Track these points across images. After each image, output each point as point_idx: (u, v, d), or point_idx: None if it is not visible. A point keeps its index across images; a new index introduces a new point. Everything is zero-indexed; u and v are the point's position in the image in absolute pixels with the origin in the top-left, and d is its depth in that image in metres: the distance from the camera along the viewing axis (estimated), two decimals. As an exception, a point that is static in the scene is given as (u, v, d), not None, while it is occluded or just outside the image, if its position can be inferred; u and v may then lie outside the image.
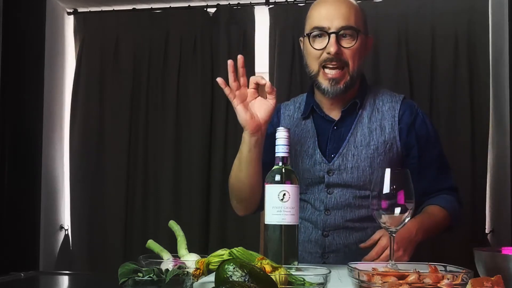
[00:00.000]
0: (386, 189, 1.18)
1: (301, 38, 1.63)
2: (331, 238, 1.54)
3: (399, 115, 1.57)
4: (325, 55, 1.51)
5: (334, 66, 1.51)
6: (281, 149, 1.28)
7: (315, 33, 1.52)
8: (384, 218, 1.19)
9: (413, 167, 1.51)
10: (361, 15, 1.56)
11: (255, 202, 1.56)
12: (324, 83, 1.53)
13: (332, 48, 1.49)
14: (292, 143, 1.56)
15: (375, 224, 1.42)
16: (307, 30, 1.56)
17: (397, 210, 1.18)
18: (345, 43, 1.52)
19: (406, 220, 1.19)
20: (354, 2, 1.57)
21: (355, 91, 1.59)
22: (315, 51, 1.52)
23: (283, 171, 1.26)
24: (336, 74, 1.52)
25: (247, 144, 1.47)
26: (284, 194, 1.23)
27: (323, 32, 1.51)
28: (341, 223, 1.54)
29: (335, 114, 1.59)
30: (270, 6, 3.06)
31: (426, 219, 1.50)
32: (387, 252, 1.37)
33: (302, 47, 1.63)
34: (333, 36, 1.50)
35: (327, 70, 1.52)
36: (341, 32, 1.51)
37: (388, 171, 1.19)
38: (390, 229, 1.20)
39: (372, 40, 1.64)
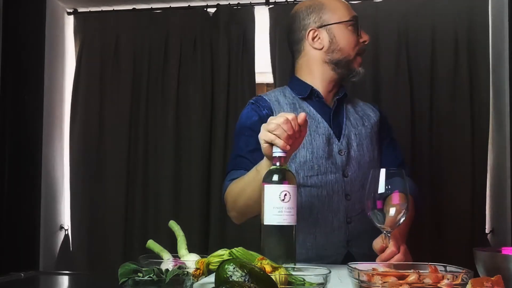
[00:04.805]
0: (381, 189, 1.18)
1: (317, 28, 1.65)
2: (353, 224, 1.58)
3: (371, 109, 1.76)
4: (361, 43, 1.66)
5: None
6: (279, 149, 1.27)
7: (353, 22, 1.65)
8: (379, 218, 1.19)
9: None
10: None
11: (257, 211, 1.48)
12: (356, 67, 1.67)
13: (368, 37, 1.67)
14: None
15: None
16: (344, 18, 1.65)
17: (392, 210, 1.18)
18: None
19: (401, 220, 1.19)
20: None
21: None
22: (354, 38, 1.65)
23: (282, 171, 1.26)
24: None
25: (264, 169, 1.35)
26: (285, 195, 1.23)
27: (355, 22, 1.66)
28: (360, 208, 1.56)
29: (329, 102, 1.69)
30: (270, 6, 3.05)
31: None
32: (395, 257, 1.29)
33: (320, 37, 1.65)
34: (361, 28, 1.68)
35: (359, 57, 1.67)
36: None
37: (383, 171, 1.19)
38: (385, 229, 1.20)
39: None
